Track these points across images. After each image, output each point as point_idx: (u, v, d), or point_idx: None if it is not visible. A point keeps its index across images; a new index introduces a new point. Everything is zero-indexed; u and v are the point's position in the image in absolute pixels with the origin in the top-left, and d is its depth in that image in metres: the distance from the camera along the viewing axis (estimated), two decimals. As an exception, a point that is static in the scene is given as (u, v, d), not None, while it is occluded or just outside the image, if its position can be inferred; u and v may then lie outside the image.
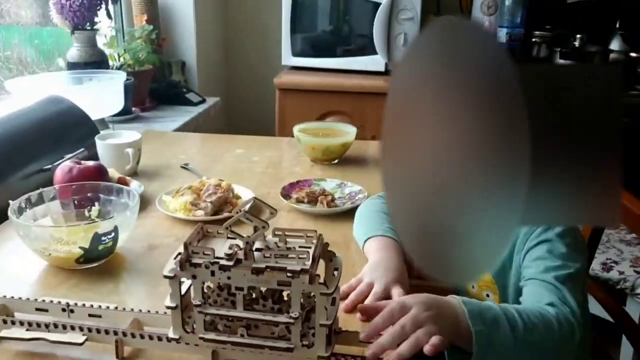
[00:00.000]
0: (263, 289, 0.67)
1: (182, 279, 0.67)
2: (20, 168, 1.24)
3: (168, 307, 0.67)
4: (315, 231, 0.70)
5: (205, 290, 0.68)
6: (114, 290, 0.89)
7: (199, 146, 1.65)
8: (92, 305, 0.75)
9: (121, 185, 1.03)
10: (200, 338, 0.67)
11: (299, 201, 1.20)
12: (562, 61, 2.29)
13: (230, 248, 0.66)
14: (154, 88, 2.23)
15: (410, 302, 0.70)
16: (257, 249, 0.66)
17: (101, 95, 1.70)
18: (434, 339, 0.67)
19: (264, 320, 0.66)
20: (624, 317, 1.12)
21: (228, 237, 0.69)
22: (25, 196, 0.97)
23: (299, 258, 0.65)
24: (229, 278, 0.65)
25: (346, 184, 1.29)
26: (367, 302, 0.83)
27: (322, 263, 0.70)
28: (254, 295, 0.68)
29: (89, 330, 0.71)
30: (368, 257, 0.95)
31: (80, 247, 0.89)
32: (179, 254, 0.66)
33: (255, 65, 2.80)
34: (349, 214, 1.15)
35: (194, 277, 0.66)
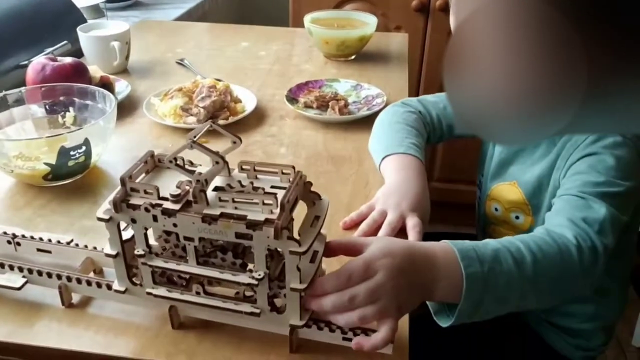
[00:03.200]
0: None
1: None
2: (-8, 64, 1.10)
3: (108, 255, 0.54)
4: (293, 167, 0.54)
5: (155, 237, 0.55)
6: (87, 212, 0.77)
7: (199, 38, 1.47)
8: (41, 239, 0.63)
9: (97, 88, 0.88)
10: (148, 293, 0.55)
11: (307, 106, 1.04)
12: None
13: (178, 186, 0.52)
14: (155, -31, 2.00)
15: (377, 266, 0.54)
16: (217, 188, 0.52)
17: (89, -22, 1.51)
18: (378, 336, 0.53)
19: (221, 279, 0.53)
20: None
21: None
22: (-15, 101, 0.84)
23: (265, 204, 0.50)
24: (175, 225, 0.51)
25: (362, 85, 1.12)
26: (381, 233, 0.71)
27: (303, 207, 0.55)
28: (210, 246, 0.54)
29: (30, 271, 0.60)
30: (385, 177, 0.81)
31: (46, 164, 0.76)
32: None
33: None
34: (364, 123, 0.99)
35: (133, 221, 0.52)
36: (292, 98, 1.06)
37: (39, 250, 0.63)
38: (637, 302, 0.99)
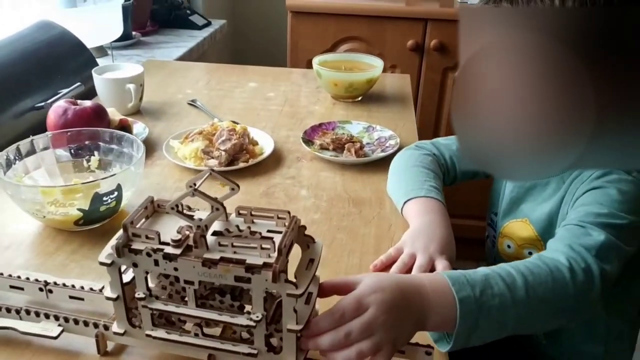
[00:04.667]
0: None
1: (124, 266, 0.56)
2: (8, 106, 1.11)
3: (108, 299, 0.56)
4: (289, 212, 0.57)
5: (153, 280, 0.57)
6: (119, 257, 0.78)
7: (207, 78, 1.50)
8: (73, 286, 0.64)
9: (123, 133, 0.90)
10: (148, 335, 0.57)
11: (323, 148, 1.07)
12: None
13: (179, 232, 0.54)
14: (155, 10, 2.04)
15: (368, 301, 0.56)
16: (215, 232, 0.54)
17: (98, 20, 1.53)
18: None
19: (220, 321, 0.55)
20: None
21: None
22: (14, 146, 0.85)
23: (262, 248, 0.52)
24: (175, 269, 0.53)
25: (374, 127, 1.15)
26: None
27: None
28: (208, 288, 0.56)
29: (66, 320, 0.60)
30: (408, 221, 0.83)
31: (79, 209, 0.77)
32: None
33: (263, -16, 2.58)
34: (380, 164, 1.02)
35: (134, 265, 0.54)
36: (307, 140, 1.09)
37: (71, 297, 0.63)
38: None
